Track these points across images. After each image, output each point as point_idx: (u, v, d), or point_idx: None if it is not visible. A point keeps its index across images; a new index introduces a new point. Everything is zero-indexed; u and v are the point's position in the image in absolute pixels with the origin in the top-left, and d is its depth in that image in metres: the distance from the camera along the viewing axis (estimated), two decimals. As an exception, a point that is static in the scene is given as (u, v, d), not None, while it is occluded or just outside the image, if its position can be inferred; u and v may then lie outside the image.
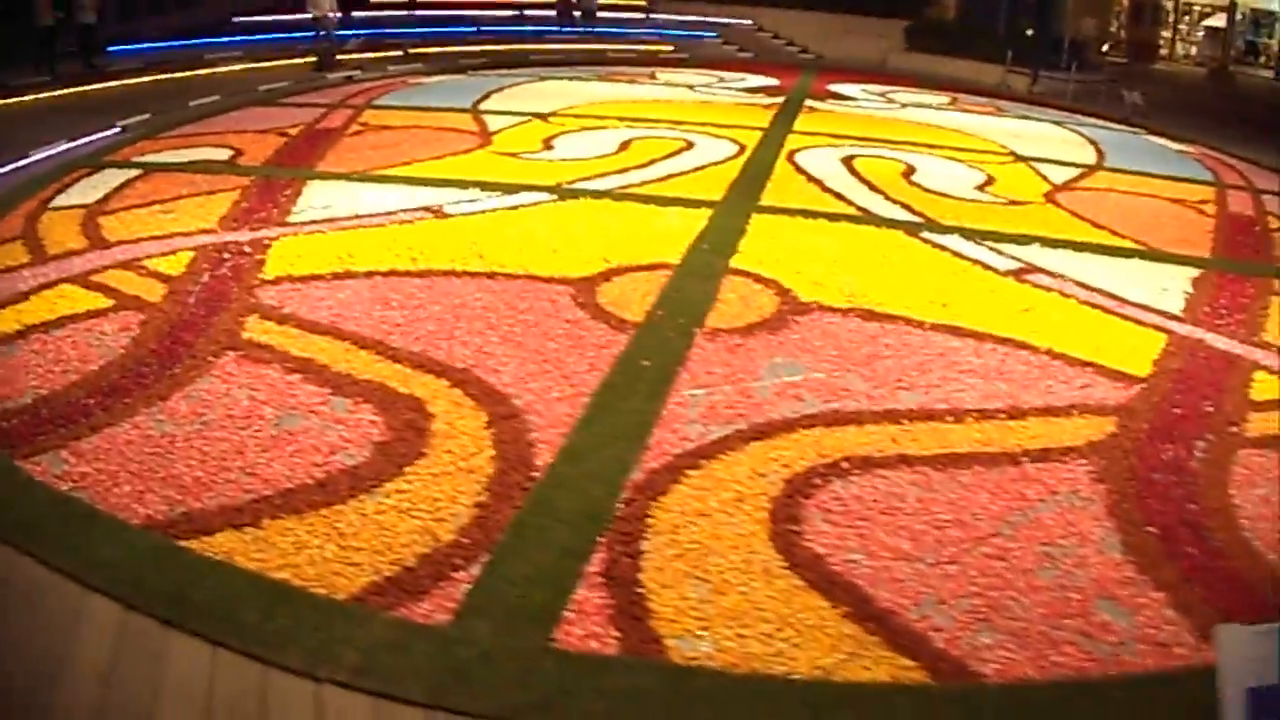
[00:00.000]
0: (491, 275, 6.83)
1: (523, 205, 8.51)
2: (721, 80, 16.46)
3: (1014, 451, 4.85)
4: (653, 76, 16.36)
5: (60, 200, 8.41)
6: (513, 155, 10.35)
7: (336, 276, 6.71)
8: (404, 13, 20.25)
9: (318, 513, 4.12)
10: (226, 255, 7.06)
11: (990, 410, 5.25)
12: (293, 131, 11.09)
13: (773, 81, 16.60)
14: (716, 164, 10.32)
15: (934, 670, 3.40)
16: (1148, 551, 4.12)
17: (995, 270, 7.58)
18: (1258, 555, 4.14)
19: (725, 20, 21.49)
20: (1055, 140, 13.47)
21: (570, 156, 10.43)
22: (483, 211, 8.31)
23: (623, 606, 3.62)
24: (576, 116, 12.45)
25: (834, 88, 16.44)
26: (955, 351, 6.00)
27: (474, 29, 19.68)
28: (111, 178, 9.10)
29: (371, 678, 3.22)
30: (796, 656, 3.42)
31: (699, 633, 3.51)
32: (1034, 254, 7.99)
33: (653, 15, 21.89)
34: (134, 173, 9.31)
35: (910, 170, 10.72)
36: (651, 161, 10.28)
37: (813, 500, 4.34)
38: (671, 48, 19.84)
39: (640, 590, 3.71)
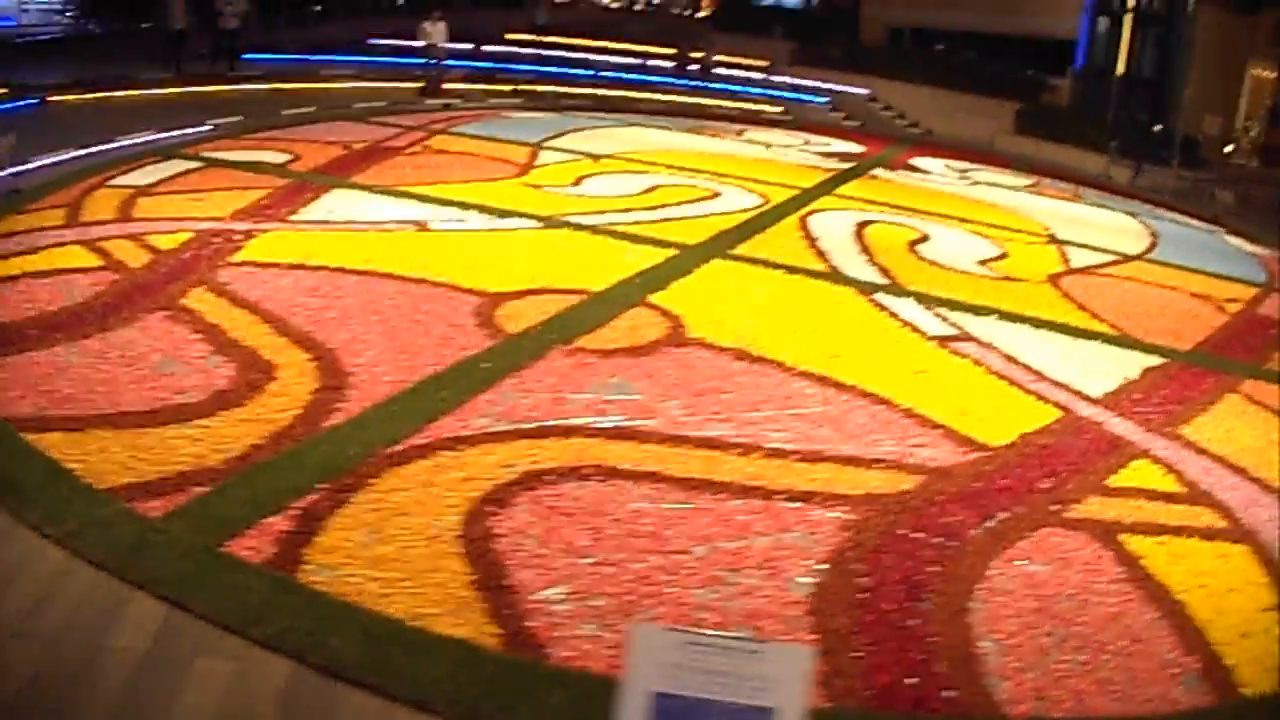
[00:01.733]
0: (419, 281, 7.51)
1: (504, 229, 9.21)
2: (807, 143, 16.79)
3: (776, 489, 5.04)
4: (739, 134, 16.83)
5: (120, 180, 9.75)
6: (537, 187, 11.08)
7: (291, 267, 7.57)
8: (529, 50, 21.47)
9: (133, 430, 4.97)
10: (216, 239, 8.05)
11: (787, 450, 5.47)
12: (357, 146, 12.18)
13: (857, 149, 16.82)
14: (727, 214, 10.71)
15: (510, 641, 3.76)
16: (837, 598, 4.22)
17: (923, 333, 7.72)
18: (961, 629, 4.14)
19: (841, 88, 21.75)
20: (1111, 229, 13.16)
21: (591, 193, 11.09)
22: (463, 230, 9.04)
23: (293, 534, 4.21)
24: (628, 160, 13.10)
25: (916, 161, 16.48)
26: (803, 396, 6.24)
27: (593, 73, 20.67)
28: (175, 167, 10.44)
29: (75, 540, 4.05)
30: (402, 601, 3.88)
31: (333, 564, 4.01)
32: (981, 325, 8.08)
33: (771, 77, 22.37)
34: (196, 165, 10.61)
35: (923, 239, 10.83)
36: (664, 205, 10.79)
37: (532, 493, 4.76)
38: (780, 109, 20.26)
39: (319, 526, 4.28)
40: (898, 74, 21.62)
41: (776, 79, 22.33)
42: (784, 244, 9.81)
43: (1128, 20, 19.49)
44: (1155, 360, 7.82)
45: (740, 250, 9.36)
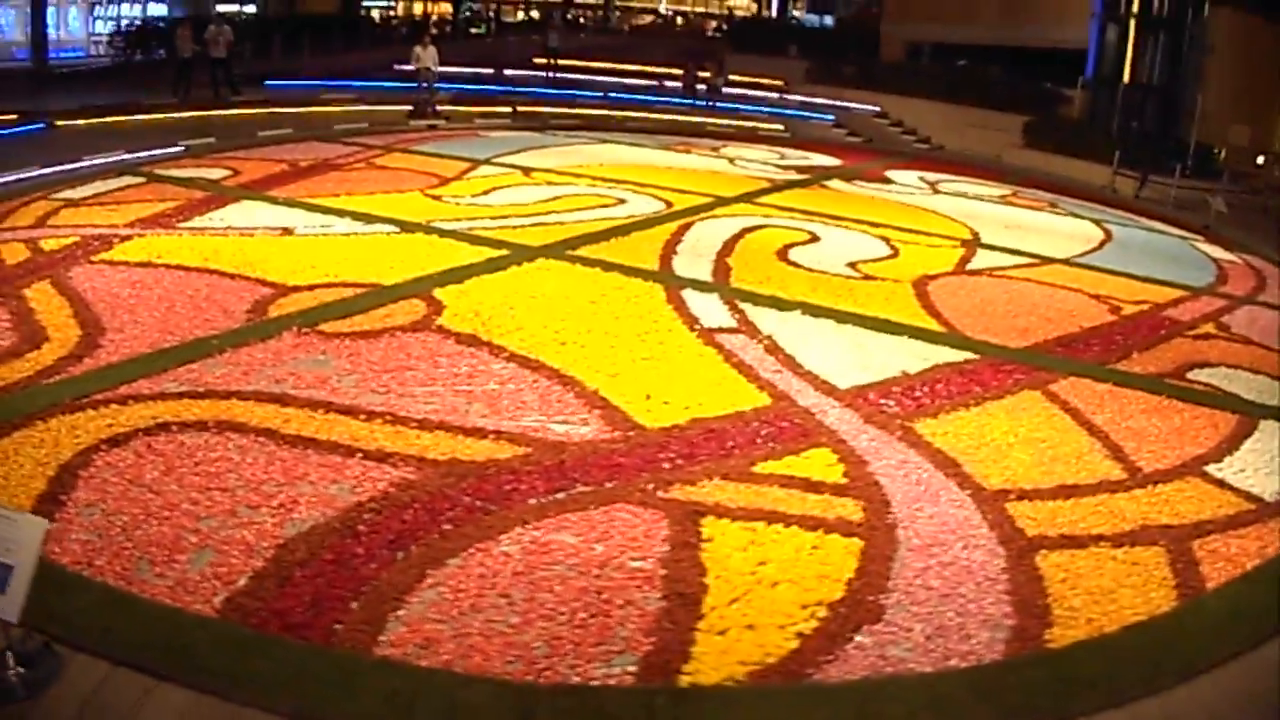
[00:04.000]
0: (231, 276, 8.17)
1: (360, 234, 9.81)
2: (783, 157, 16.85)
3: (366, 449, 5.35)
4: (715, 150, 17.05)
5: (64, 194, 10.82)
6: (437, 198, 11.68)
7: (137, 265, 8.34)
8: (543, 74, 22.21)
9: None
10: (96, 242, 8.90)
11: (415, 420, 5.76)
12: (304, 163, 13.08)
13: (834, 162, 16.79)
14: (612, 219, 11.03)
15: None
16: (318, 539, 4.50)
17: (698, 326, 7.83)
18: (410, 578, 4.31)
19: (852, 105, 21.62)
20: (1058, 234, 12.81)
21: (488, 203, 11.59)
22: (321, 234, 9.69)
23: None
24: (560, 173, 13.56)
25: (891, 174, 16.34)
26: (487, 376, 6.51)
27: (601, 95, 21.24)
28: (121, 182, 11.47)
29: None
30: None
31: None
32: (774, 319, 8.16)
33: (786, 96, 22.43)
34: (139, 180, 11.62)
35: (808, 241, 10.90)
36: (551, 212, 11.22)
37: (150, 437, 5.34)
38: (781, 127, 20.31)
39: None
40: (910, 90, 21.36)
41: (792, 98, 22.38)
42: (636, 247, 10.03)
43: (1133, 26, 18.72)
44: (960, 356, 7.73)
45: (582, 251, 9.65)
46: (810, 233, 11.32)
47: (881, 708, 3.77)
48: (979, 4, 22.85)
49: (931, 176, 16.43)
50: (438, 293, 8.09)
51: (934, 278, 9.95)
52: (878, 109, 21.50)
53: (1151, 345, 8.51)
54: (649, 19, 48.82)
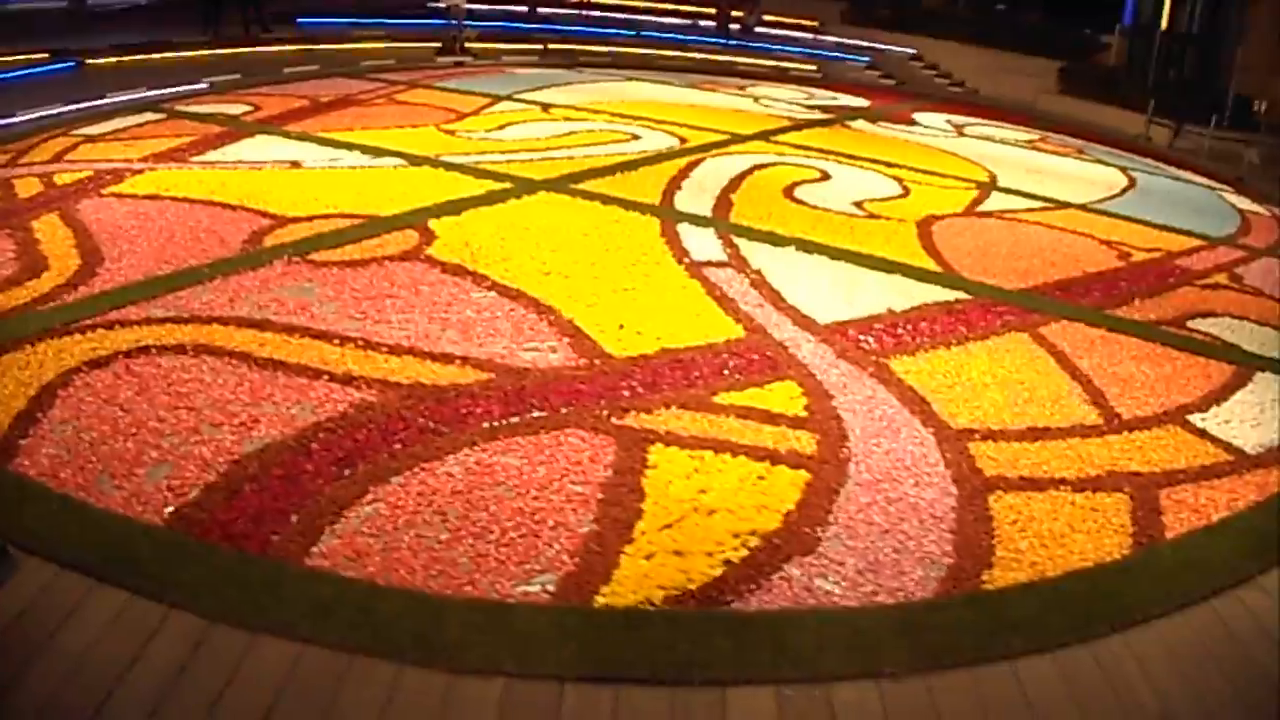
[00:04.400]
0: (234, 207, 8.24)
1: (367, 167, 9.86)
2: (810, 97, 16.57)
3: (332, 372, 5.47)
4: (741, 89, 16.83)
5: (84, 130, 10.92)
6: (450, 133, 11.68)
7: (142, 197, 8.40)
8: (573, 12, 22.01)
9: None
10: (108, 176, 9.04)
11: (386, 345, 5.85)
12: (324, 99, 13.14)
13: (861, 103, 16.49)
14: (624, 155, 10.96)
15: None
16: (270, 458, 4.66)
17: (687, 259, 7.81)
18: (352, 493, 4.45)
19: (887, 47, 21.17)
20: (1079, 180, 12.47)
21: (499, 138, 11.56)
22: (330, 167, 9.77)
23: None
24: (578, 109, 13.47)
25: (919, 115, 16.02)
26: (465, 304, 6.55)
27: (634, 33, 21.02)
28: (140, 119, 11.58)
29: None
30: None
31: None
32: (766, 253, 8.10)
33: (820, 37, 22.01)
34: (159, 116, 11.75)
35: (818, 179, 10.79)
36: (561, 148, 11.17)
37: (129, 359, 5.50)
38: (814, 68, 19.93)
39: None
40: (947, 33, 20.85)
41: (826, 39, 21.96)
42: (642, 182, 9.96)
43: (1174, -30, 18.04)
44: (951, 295, 7.66)
45: (585, 185, 9.60)
46: (822, 171, 11.19)
47: (794, 637, 3.81)
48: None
49: (959, 120, 16.07)
50: (433, 224, 8.14)
51: (940, 218, 9.81)
52: (913, 52, 21.02)
53: (1156, 293, 8.34)
54: None
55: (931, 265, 8.40)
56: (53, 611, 3.68)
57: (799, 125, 13.95)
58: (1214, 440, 5.85)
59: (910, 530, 4.59)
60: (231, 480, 4.49)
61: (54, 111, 11.79)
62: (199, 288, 6.57)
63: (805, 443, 5.25)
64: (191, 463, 4.61)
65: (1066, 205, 11.03)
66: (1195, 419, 6.09)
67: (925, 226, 9.47)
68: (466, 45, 17.92)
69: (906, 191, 10.75)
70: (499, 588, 3.93)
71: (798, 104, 15.88)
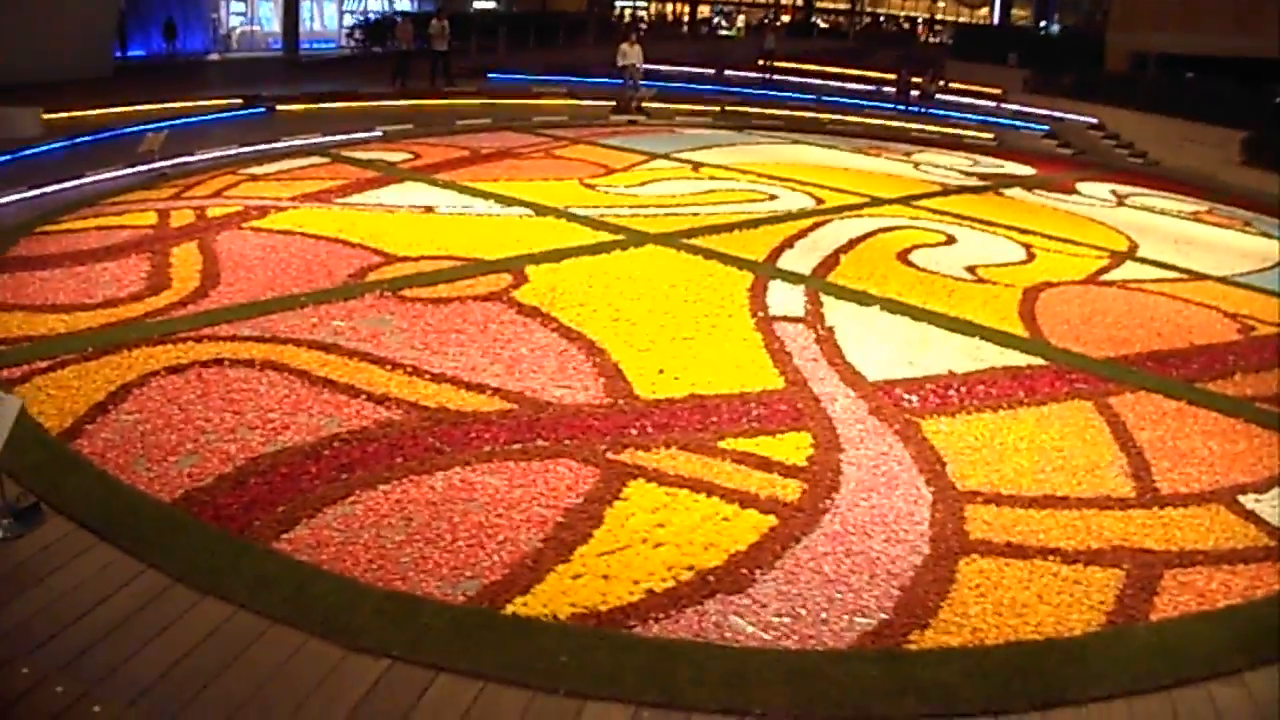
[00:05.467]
0: (353, 245, 9.10)
1: (495, 215, 10.59)
2: (974, 164, 16.26)
3: (370, 392, 6.04)
4: (906, 155, 16.67)
5: (251, 170, 12.27)
6: (590, 186, 12.32)
7: (276, 232, 9.45)
8: (759, 76, 22.45)
9: (51, 314, 7.11)
10: (254, 212, 10.20)
11: (431, 373, 6.37)
12: (485, 150, 14.15)
13: (1027, 171, 16.06)
14: (746, 214, 11.25)
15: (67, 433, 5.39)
16: (286, 457, 5.22)
17: (756, 311, 8.02)
18: (340, 491, 4.97)
19: (1069, 116, 20.35)
20: (1229, 253, 11.74)
21: (636, 193, 12.10)
22: (459, 214, 10.55)
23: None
24: (728, 169, 13.86)
25: (1083, 185, 15.41)
26: (525, 342, 7.03)
27: (814, 98, 21.23)
28: (306, 161, 12.90)
29: None
30: (50, 402, 5.68)
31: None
32: (844, 311, 8.24)
33: (1002, 105, 21.46)
34: (324, 160, 13.01)
35: (941, 244, 10.70)
36: (694, 205, 11.57)
37: (204, 368, 6.26)
38: (990, 136, 19.43)
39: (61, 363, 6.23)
40: (1131, 102, 19.86)
41: (1005, 107, 21.42)
42: (755, 240, 10.18)
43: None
44: (1024, 360, 7.47)
45: (696, 240, 9.93)
46: (948, 235, 11.04)
47: (673, 666, 3.89)
48: (1210, 12, 20.87)
49: (1124, 190, 15.33)
50: (530, 269, 8.67)
51: (1054, 285, 9.48)
52: (1094, 121, 20.18)
53: (1264, 369, 7.75)
54: (883, 23, 48.12)
55: (1019, 331, 8.18)
56: (56, 558, 4.34)
57: (948, 191, 13.77)
58: (1260, 523, 5.44)
59: (856, 583, 4.57)
60: (242, 473, 5.07)
61: (231, 152, 13.27)
62: (291, 313, 7.32)
63: (789, 490, 5.30)
64: (216, 456, 5.22)
65: (1204, 277, 10.40)
66: (1247, 499, 5.68)
67: (1033, 293, 9.19)
68: (642, 105, 18.69)
69: (1031, 258, 10.45)
70: (423, 586, 4.26)
71: (957, 170, 15.64)
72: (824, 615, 4.32)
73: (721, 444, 5.76)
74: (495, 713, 3.60)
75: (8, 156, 12.20)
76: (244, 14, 28.17)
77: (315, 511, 4.78)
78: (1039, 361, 7.48)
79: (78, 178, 11.24)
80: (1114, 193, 15.11)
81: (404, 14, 21.64)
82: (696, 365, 6.85)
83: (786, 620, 4.26)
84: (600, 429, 5.83)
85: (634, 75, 18.86)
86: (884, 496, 5.35)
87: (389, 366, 6.47)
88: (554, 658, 3.87)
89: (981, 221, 11.92)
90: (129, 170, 11.78)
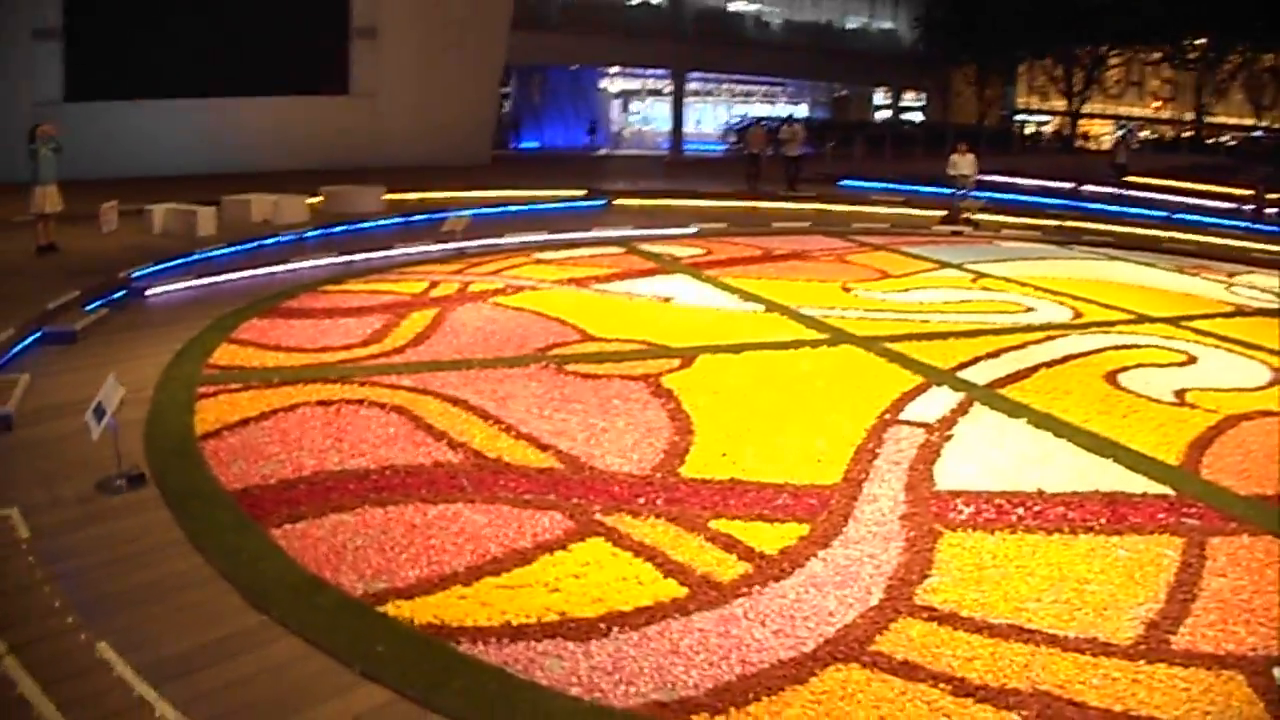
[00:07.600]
0: (564, 323, 10.23)
1: (725, 309, 11.24)
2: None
3: (453, 437, 7.02)
4: (1229, 275, 14.85)
5: (548, 254, 14.06)
6: (848, 290, 12.54)
7: (510, 308, 10.86)
8: (1117, 192, 20.93)
9: (288, 351, 9.13)
10: (510, 289, 11.74)
11: (520, 433, 7.16)
12: (779, 252, 14.91)
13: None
14: (985, 324, 10.98)
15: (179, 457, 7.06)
16: (336, 476, 6.31)
17: (888, 413, 7.94)
18: (353, 501, 6.12)
19: None
20: None
21: (888, 298, 12.15)
22: (691, 306, 11.34)
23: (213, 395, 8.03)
24: (1007, 280, 13.35)
25: None
26: (622, 416, 7.58)
27: (1164, 215, 19.63)
28: (601, 250, 14.39)
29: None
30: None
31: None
32: (985, 420, 7.91)
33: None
34: (618, 250, 14.44)
35: (1181, 364, 9.82)
36: (939, 313, 11.47)
37: (347, 405, 7.64)
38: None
39: (227, 389, 8.03)
40: None
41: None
42: (961, 348, 9.90)
43: None
44: (1140, 488, 6.69)
45: (899, 346, 9.87)
46: (1189, 355, 9.95)
47: (455, 677, 4.38)
48: None
49: None
50: (703, 358, 9.17)
51: (1269, 415, 8.25)
52: None
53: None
54: (1262, 138, 41.99)
55: (1170, 458, 7.27)
56: (121, 511, 5.86)
57: (1242, 313, 12.25)
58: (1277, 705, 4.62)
59: (697, 661, 4.56)
60: (299, 481, 6.30)
61: (538, 237, 15.00)
62: (456, 373, 8.52)
63: (729, 572, 5.38)
64: (292, 466, 6.52)
65: None
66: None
67: (1231, 422, 8.08)
68: (969, 216, 18.38)
69: (1271, 384, 9.17)
70: (343, 579, 5.13)
71: (1272, 293, 13.75)
72: (635, 680, 4.43)
73: (712, 523, 5.93)
74: (292, 668, 4.40)
75: (345, 227, 15.06)
76: (639, 113, 31.72)
77: (321, 515, 5.84)
78: (1162, 490, 6.64)
79: (386, 249, 13.66)
80: None
81: (758, 119, 23.34)
82: (765, 454, 6.99)
83: (609, 675, 4.45)
84: (613, 494, 6.26)
85: (965, 185, 18.61)
86: (819, 594, 5.23)
87: (491, 422, 7.40)
88: (373, 644, 4.56)
89: (1248, 345, 10.50)
90: (435, 247, 14.02)
